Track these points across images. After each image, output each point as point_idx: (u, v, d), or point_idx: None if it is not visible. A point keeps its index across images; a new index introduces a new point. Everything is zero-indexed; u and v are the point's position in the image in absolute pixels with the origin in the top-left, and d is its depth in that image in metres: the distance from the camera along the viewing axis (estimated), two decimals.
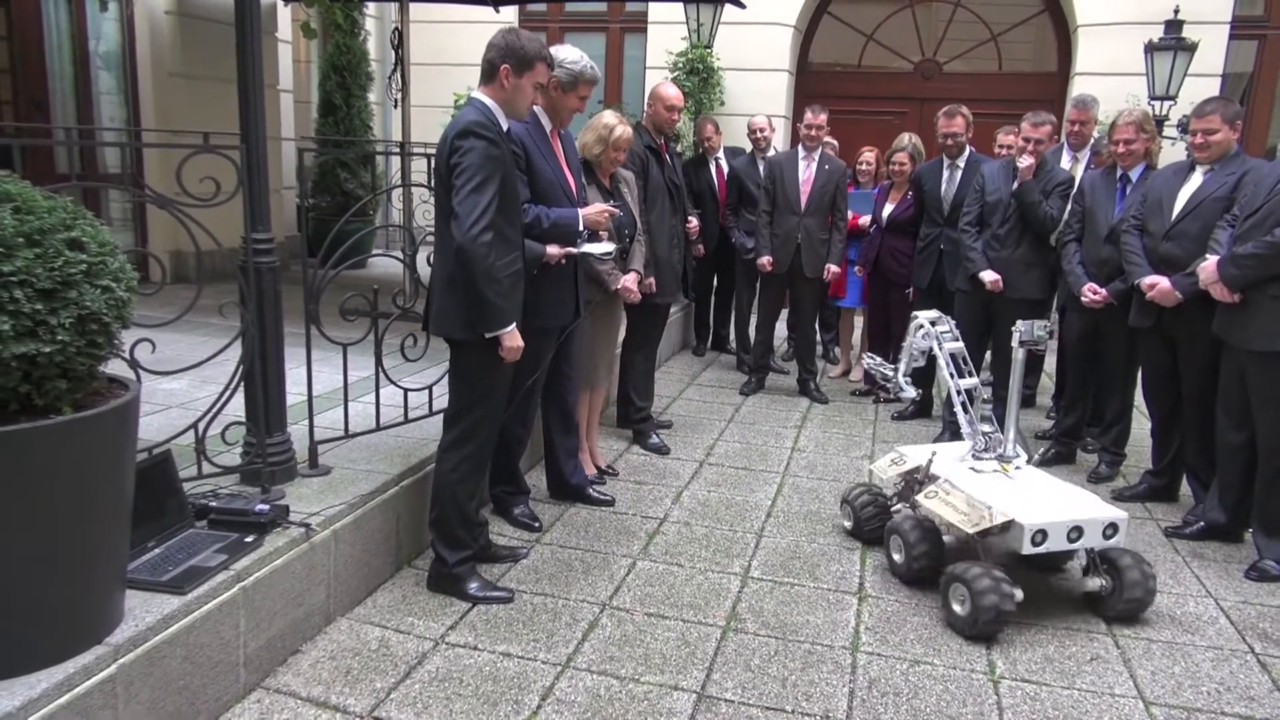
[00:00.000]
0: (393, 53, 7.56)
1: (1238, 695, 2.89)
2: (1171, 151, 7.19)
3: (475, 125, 2.92)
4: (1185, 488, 4.50)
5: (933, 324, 3.84)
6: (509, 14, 9.13)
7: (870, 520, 3.88)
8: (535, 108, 3.48)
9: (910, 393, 4.09)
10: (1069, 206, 4.84)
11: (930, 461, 3.74)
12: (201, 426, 2.93)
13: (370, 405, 3.67)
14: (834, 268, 6.05)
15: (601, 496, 4.24)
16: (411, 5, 7.65)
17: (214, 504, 2.87)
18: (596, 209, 3.66)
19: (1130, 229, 4.31)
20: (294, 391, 3.26)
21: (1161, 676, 2.99)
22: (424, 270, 3.47)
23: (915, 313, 3.96)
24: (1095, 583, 3.38)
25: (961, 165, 5.57)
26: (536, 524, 3.91)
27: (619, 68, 10.76)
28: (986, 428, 3.69)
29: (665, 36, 9.63)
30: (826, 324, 7.46)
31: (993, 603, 3.07)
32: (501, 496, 3.96)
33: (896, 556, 3.59)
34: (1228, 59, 8.58)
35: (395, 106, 7.95)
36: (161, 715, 2.31)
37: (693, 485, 4.57)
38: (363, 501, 3.19)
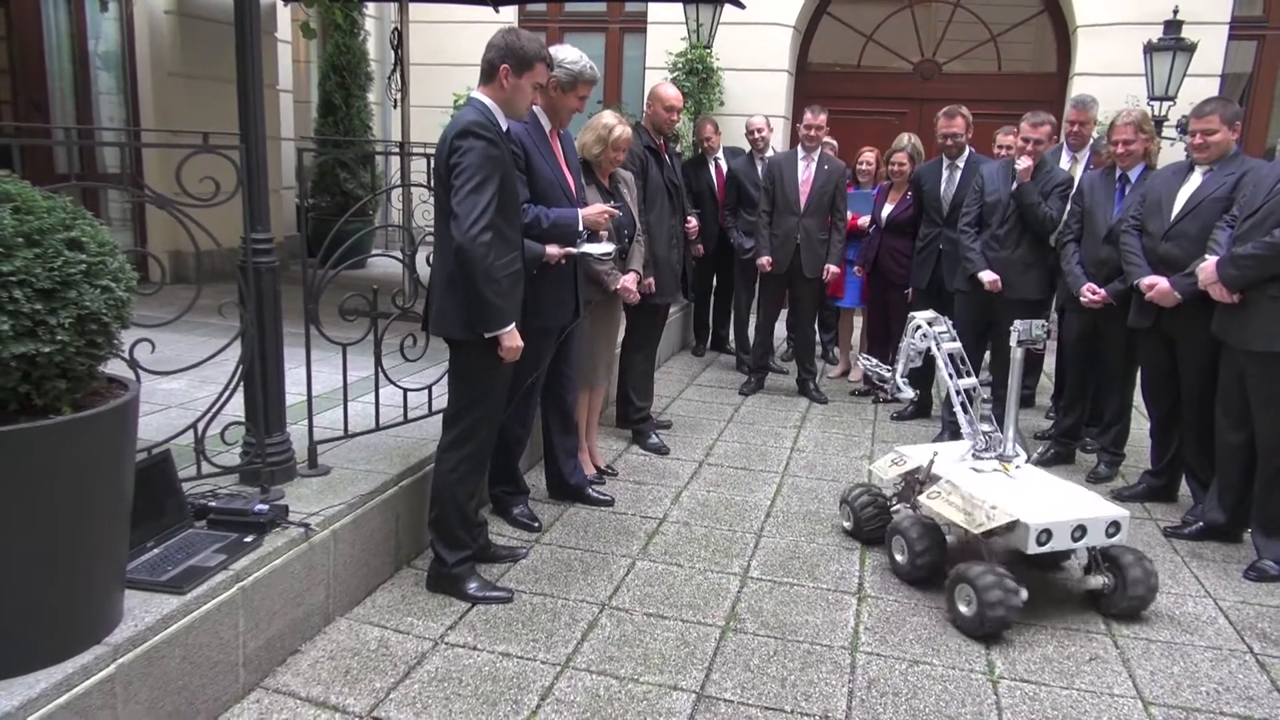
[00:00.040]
0: (392, 53, 7.56)
1: (1236, 695, 2.89)
2: (1170, 152, 7.19)
3: (475, 125, 2.92)
4: (1184, 488, 4.50)
5: (930, 324, 3.84)
6: (508, 14, 9.13)
7: (870, 521, 3.88)
8: (535, 108, 3.48)
9: (908, 393, 4.09)
10: (1068, 207, 4.84)
11: (932, 462, 3.75)
12: (201, 426, 2.93)
13: (369, 405, 3.67)
14: (833, 268, 6.05)
15: (601, 496, 4.24)
16: (411, 5, 7.65)
17: (213, 504, 2.87)
18: (596, 210, 3.66)
19: (1129, 229, 4.32)
20: (293, 391, 3.26)
21: (1160, 676, 2.99)
22: (423, 270, 3.47)
23: (912, 314, 3.96)
24: (1098, 581, 3.38)
25: (961, 166, 5.57)
26: (536, 524, 3.91)
27: (618, 68, 10.76)
28: (986, 427, 3.70)
29: (665, 37, 9.63)
30: (826, 324, 7.46)
31: (998, 598, 3.07)
32: (501, 496, 3.96)
33: (899, 557, 3.59)
34: (1227, 59, 8.58)
35: (395, 106, 7.95)
36: (161, 715, 2.31)
37: (692, 485, 4.57)
38: (362, 501, 3.19)
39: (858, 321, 7.01)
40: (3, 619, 1.95)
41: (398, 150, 5.29)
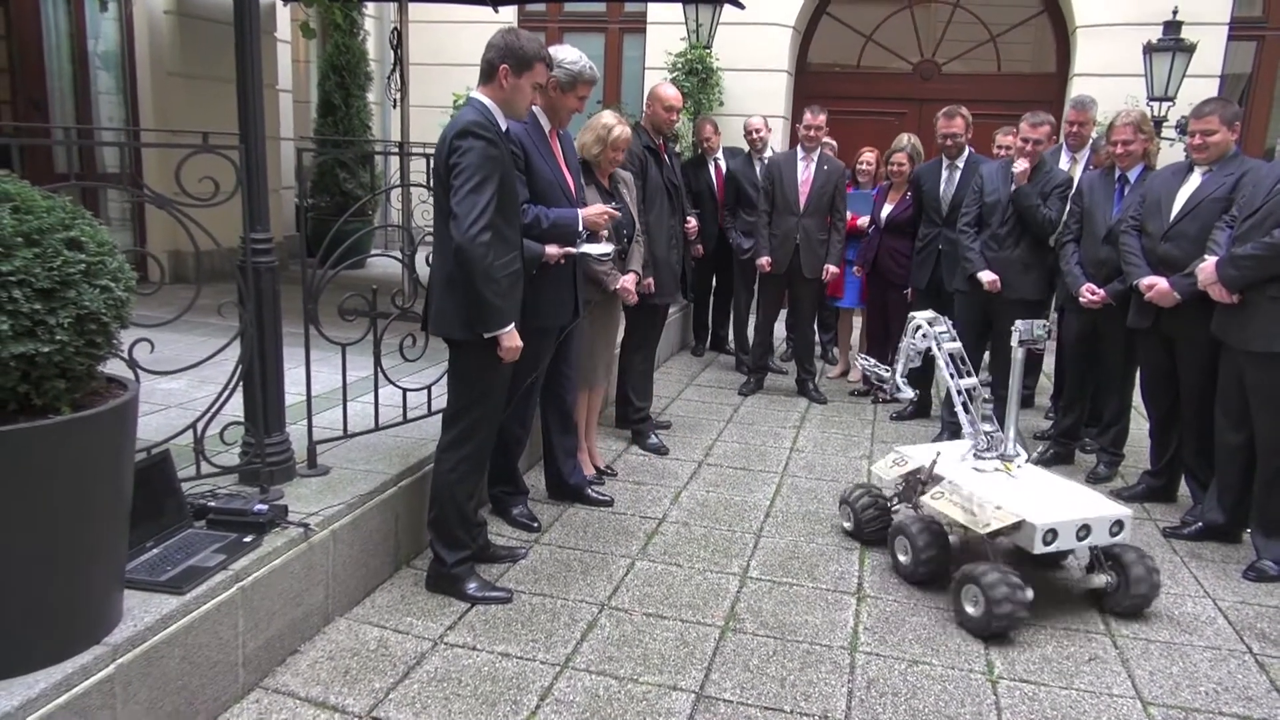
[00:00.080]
0: (392, 53, 7.56)
1: (1235, 695, 2.89)
2: (1170, 152, 7.20)
3: (474, 125, 2.92)
4: (1183, 488, 4.50)
5: (930, 324, 3.84)
6: (508, 14, 9.13)
7: (871, 521, 3.88)
8: (534, 108, 3.48)
9: (908, 393, 4.09)
10: (1067, 207, 4.85)
11: (935, 462, 3.75)
12: (200, 426, 2.93)
13: (369, 405, 3.67)
14: (832, 268, 6.05)
15: (600, 497, 4.24)
16: (410, 5, 7.65)
17: (212, 504, 2.87)
18: (596, 210, 3.66)
19: (1128, 229, 4.32)
20: (293, 391, 3.26)
21: (1159, 676, 2.99)
22: (423, 270, 3.47)
23: (912, 314, 3.96)
24: (1101, 579, 3.39)
25: (960, 166, 5.57)
26: (535, 524, 3.91)
27: (618, 68, 10.76)
28: (988, 427, 3.70)
29: (664, 37, 9.64)
30: (825, 324, 7.46)
31: (1005, 594, 3.08)
32: (500, 496, 3.96)
33: (902, 557, 3.59)
34: (1226, 60, 8.59)
35: (394, 106, 7.95)
36: (160, 715, 2.31)
37: (691, 485, 4.57)
38: (361, 501, 3.19)
39: (857, 322, 7.01)
40: (2, 619, 1.95)
41: (397, 150, 5.30)
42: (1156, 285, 4.08)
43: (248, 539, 2.71)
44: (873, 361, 4.27)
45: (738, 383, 6.56)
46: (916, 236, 5.80)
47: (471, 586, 3.26)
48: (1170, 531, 4.17)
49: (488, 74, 3.04)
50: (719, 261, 7.08)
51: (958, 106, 5.64)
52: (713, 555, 3.76)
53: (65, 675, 2.02)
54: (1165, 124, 7.78)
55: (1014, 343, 3.68)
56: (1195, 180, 4.08)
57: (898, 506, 3.96)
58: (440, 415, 3.36)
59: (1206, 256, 3.82)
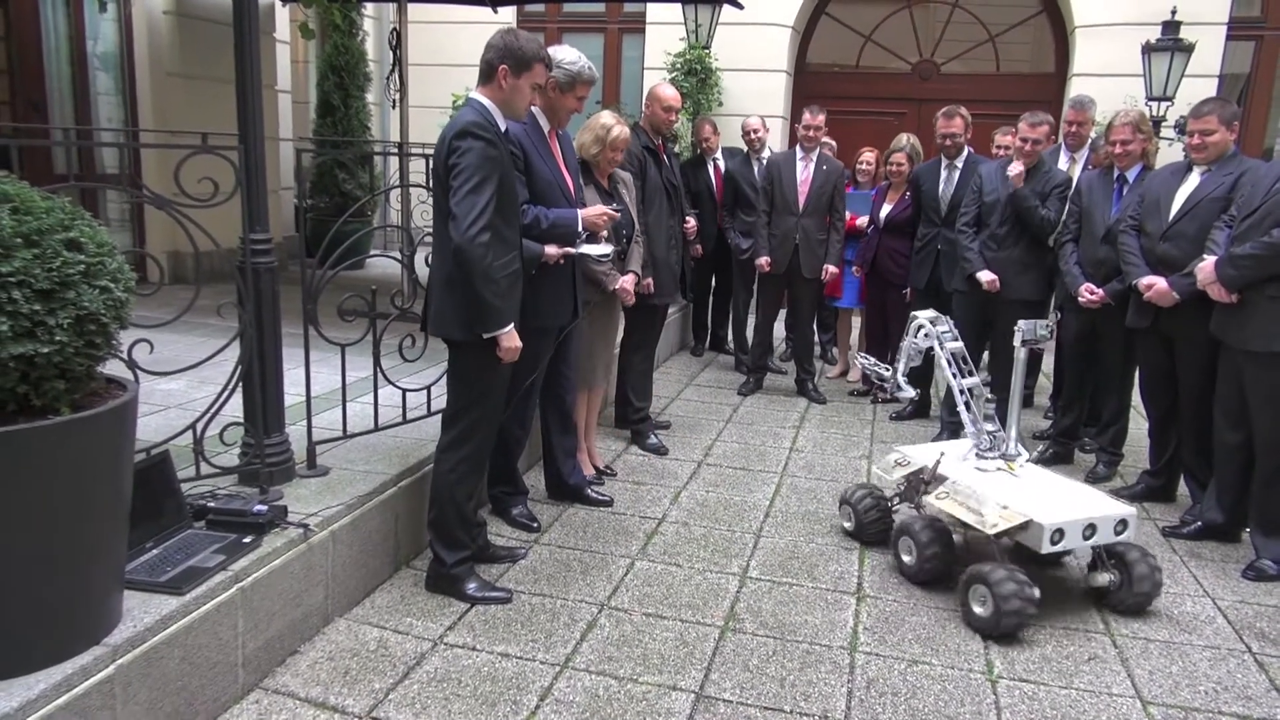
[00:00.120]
0: (391, 53, 7.57)
1: (1235, 694, 2.90)
2: (1169, 152, 7.20)
3: (473, 126, 2.92)
4: (1183, 488, 4.50)
5: (932, 324, 3.84)
6: (507, 14, 9.13)
7: (873, 521, 3.88)
8: (533, 108, 3.49)
9: (909, 392, 4.09)
10: (1066, 207, 4.85)
11: (938, 462, 3.74)
12: (200, 427, 2.93)
13: (368, 406, 3.66)
14: (832, 268, 6.05)
15: (600, 497, 4.24)
16: (409, 6, 7.65)
17: (212, 504, 2.86)
18: (596, 211, 3.66)
19: (1127, 229, 4.32)
20: (292, 392, 3.26)
21: (1159, 676, 2.99)
22: (422, 271, 3.47)
23: (915, 313, 3.96)
24: (1104, 578, 3.39)
25: (959, 166, 5.57)
26: (535, 524, 3.91)
27: (617, 68, 10.77)
28: (990, 426, 3.70)
29: (663, 37, 9.64)
30: (824, 324, 7.46)
31: (1012, 591, 3.08)
32: (500, 497, 3.96)
33: (906, 557, 3.58)
34: (1225, 60, 8.60)
35: (393, 107, 7.95)
36: (160, 716, 2.31)
37: (691, 485, 4.57)
38: (361, 502, 3.19)
39: (856, 322, 7.02)
40: (2, 619, 1.95)
41: (396, 151, 5.30)
42: (1155, 285, 4.08)
43: (247, 540, 2.71)
44: (873, 360, 4.27)
45: (737, 383, 6.56)
46: (915, 236, 5.80)
47: (471, 587, 3.26)
48: (1169, 531, 4.18)
49: (487, 74, 3.04)
50: (718, 261, 7.09)
51: (957, 106, 5.64)
52: (712, 555, 3.76)
53: (65, 676, 2.02)
54: (1164, 124, 7.79)
55: (1017, 343, 3.69)
56: (1194, 180, 4.08)
57: (899, 507, 3.96)
58: (440, 416, 3.36)
59: (1205, 256, 3.82)
